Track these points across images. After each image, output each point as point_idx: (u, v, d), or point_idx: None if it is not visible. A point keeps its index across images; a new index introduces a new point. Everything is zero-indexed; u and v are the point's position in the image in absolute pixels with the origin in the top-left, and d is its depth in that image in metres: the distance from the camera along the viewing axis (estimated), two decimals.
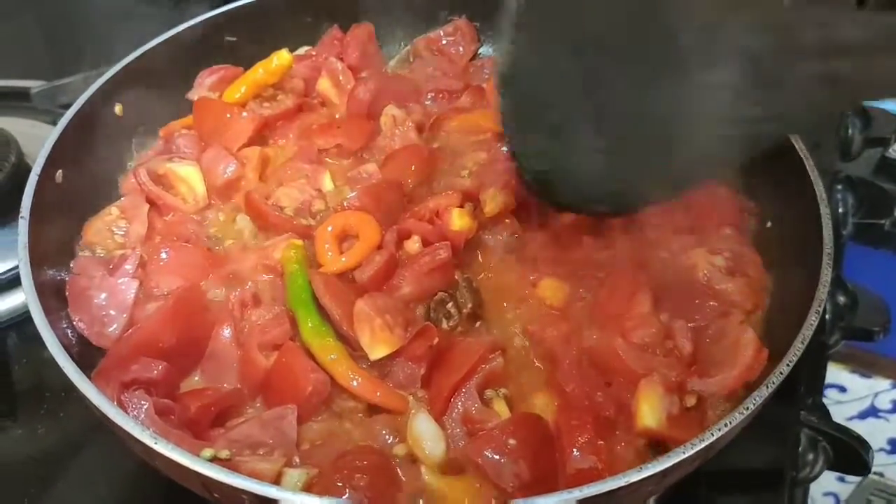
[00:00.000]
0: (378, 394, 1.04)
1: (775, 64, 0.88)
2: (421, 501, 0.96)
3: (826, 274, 1.03)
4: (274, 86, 1.48)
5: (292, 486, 0.92)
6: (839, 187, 1.68)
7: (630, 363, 1.05)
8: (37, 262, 1.08)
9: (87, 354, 1.10)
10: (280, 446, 0.98)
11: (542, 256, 1.22)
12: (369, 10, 1.63)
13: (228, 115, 1.39)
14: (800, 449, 1.25)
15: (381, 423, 1.04)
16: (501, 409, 1.03)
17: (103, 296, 1.14)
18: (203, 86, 1.51)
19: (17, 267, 1.37)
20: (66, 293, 1.15)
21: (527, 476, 0.93)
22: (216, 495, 0.89)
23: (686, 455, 0.85)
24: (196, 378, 1.12)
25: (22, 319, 1.38)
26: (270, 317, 1.12)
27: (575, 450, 0.96)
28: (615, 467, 0.95)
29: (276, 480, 0.93)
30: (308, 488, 0.94)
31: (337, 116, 1.49)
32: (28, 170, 1.45)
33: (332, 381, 1.04)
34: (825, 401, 1.39)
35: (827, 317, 1.39)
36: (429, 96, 1.53)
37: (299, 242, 1.20)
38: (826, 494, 2.17)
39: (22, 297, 1.37)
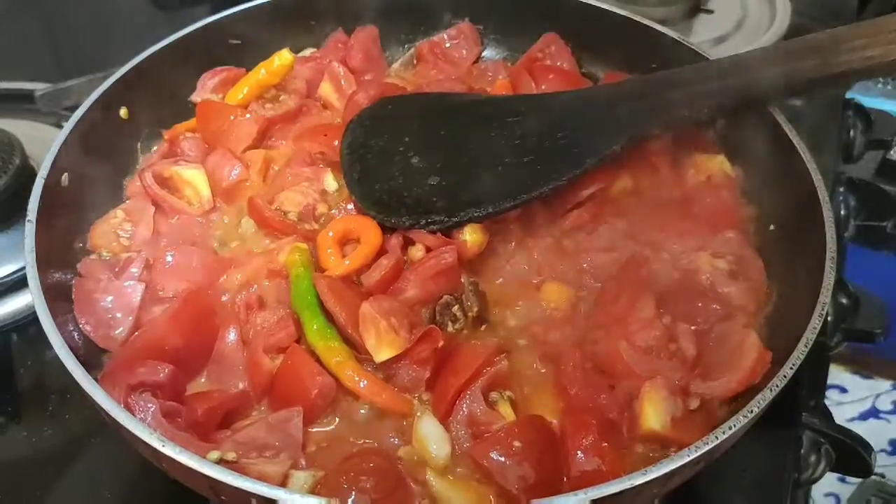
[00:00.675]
0: (383, 396, 1.04)
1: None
2: (426, 503, 0.97)
3: (829, 277, 1.04)
4: (276, 86, 1.48)
5: (299, 488, 0.93)
6: (841, 189, 1.69)
7: (634, 366, 1.06)
8: (43, 264, 1.08)
9: (92, 357, 1.11)
10: (286, 448, 0.99)
11: (546, 260, 1.22)
12: (373, 14, 1.64)
13: (232, 118, 1.40)
14: (802, 451, 1.25)
15: (386, 425, 1.04)
16: (506, 411, 1.04)
17: (109, 298, 1.15)
18: (206, 88, 1.51)
19: (20, 270, 1.39)
20: (73, 296, 1.15)
21: (532, 478, 0.94)
22: (223, 497, 0.89)
23: (690, 458, 0.86)
24: (202, 380, 1.12)
25: (26, 321, 1.38)
26: (276, 319, 1.12)
27: (579, 452, 0.97)
28: (619, 469, 0.96)
29: (283, 482, 0.94)
30: (314, 490, 0.94)
31: (338, 121, 1.49)
32: (32, 172, 1.47)
33: (338, 384, 1.05)
34: (826, 402, 1.39)
35: (828, 319, 1.39)
36: None
37: (304, 246, 1.21)
38: (827, 495, 2.18)
39: (25, 300, 1.38)
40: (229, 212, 1.33)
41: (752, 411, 0.90)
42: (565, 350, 1.10)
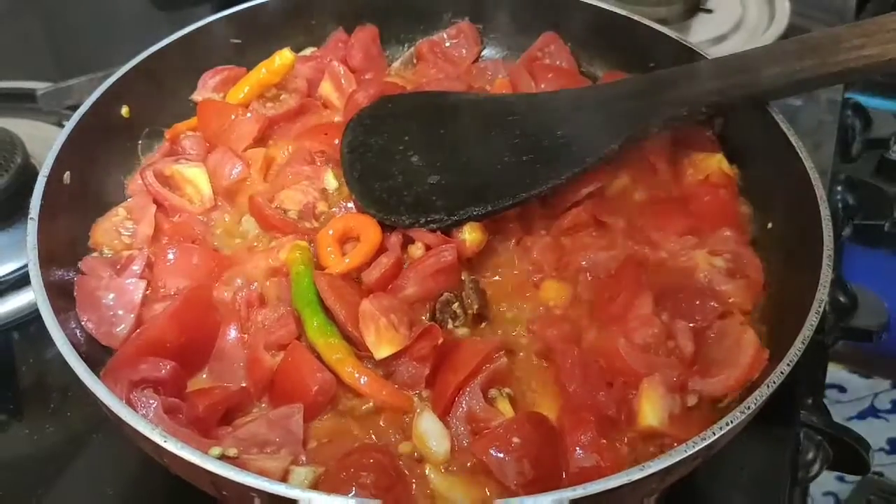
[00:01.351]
0: (383, 393, 1.05)
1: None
2: (426, 499, 0.98)
3: (826, 275, 1.04)
4: (277, 86, 1.49)
5: (299, 483, 0.94)
6: (839, 188, 1.69)
7: (632, 363, 1.06)
8: (45, 262, 1.08)
9: (93, 354, 1.11)
10: (287, 445, 0.99)
11: (545, 259, 1.23)
12: (373, 13, 1.64)
13: (233, 117, 1.40)
14: (800, 449, 1.26)
15: (386, 421, 1.05)
16: (505, 408, 1.04)
17: (111, 296, 1.15)
18: (207, 87, 1.52)
19: (21, 268, 1.40)
20: (75, 293, 1.16)
21: (531, 474, 0.94)
22: (225, 493, 0.89)
23: (687, 454, 0.86)
24: (203, 377, 1.13)
25: (27, 319, 1.38)
26: (276, 317, 1.13)
27: (578, 448, 0.98)
28: (618, 466, 0.97)
29: (284, 478, 0.94)
30: (315, 486, 0.95)
31: (338, 120, 1.50)
32: (33, 171, 1.48)
33: (338, 381, 1.05)
34: (824, 401, 1.40)
35: (827, 317, 1.40)
36: None
37: (304, 244, 1.21)
38: (826, 494, 2.18)
39: (26, 298, 1.39)
40: (230, 210, 1.33)
41: (749, 408, 0.91)
42: (564, 347, 1.10)
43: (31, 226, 1.10)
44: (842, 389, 2.40)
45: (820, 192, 1.15)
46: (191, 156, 1.38)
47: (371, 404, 1.05)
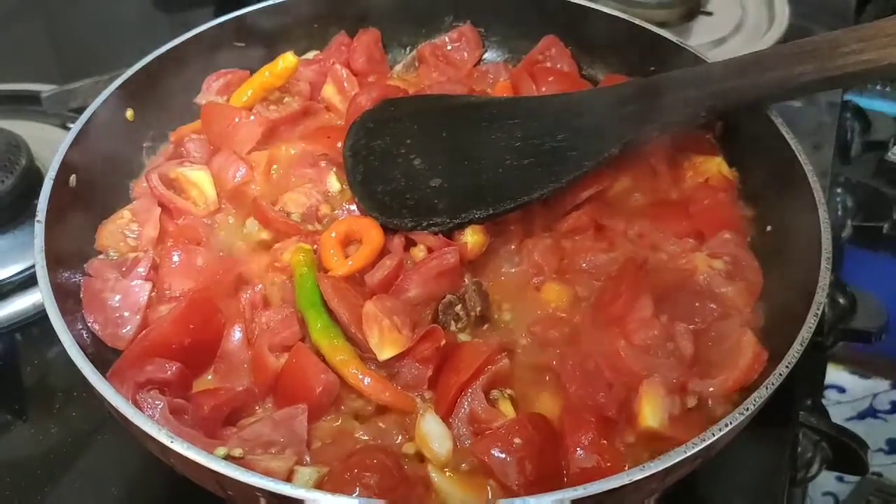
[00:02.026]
0: (387, 394, 1.05)
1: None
2: (428, 499, 0.98)
3: (825, 278, 1.05)
4: (280, 89, 1.50)
5: (304, 483, 0.94)
6: (838, 190, 1.70)
7: (632, 364, 1.07)
8: (52, 264, 1.09)
9: (100, 355, 1.12)
10: (291, 445, 1.00)
11: (546, 261, 1.24)
12: (376, 16, 1.65)
13: (237, 120, 1.41)
14: (799, 449, 1.26)
15: (389, 422, 1.06)
16: (507, 409, 1.05)
17: (117, 298, 1.16)
18: (210, 90, 1.52)
19: (26, 270, 1.41)
20: (81, 295, 1.16)
21: (532, 474, 0.95)
22: (230, 493, 0.90)
23: (687, 454, 0.87)
24: (208, 378, 1.14)
25: (32, 321, 1.39)
26: (280, 318, 1.14)
27: (579, 449, 0.99)
28: (618, 466, 0.97)
29: (288, 478, 0.95)
30: (319, 486, 0.96)
31: (341, 123, 1.51)
32: (38, 173, 1.49)
33: (342, 382, 1.06)
34: (824, 402, 1.40)
35: (826, 319, 1.41)
36: None
37: (308, 246, 1.22)
38: (825, 494, 2.18)
39: (32, 300, 1.39)
40: (234, 213, 1.34)
41: (748, 409, 0.91)
42: (565, 349, 1.11)
43: (39, 228, 1.11)
44: (841, 390, 2.41)
45: (819, 195, 1.15)
46: (195, 158, 1.39)
47: (374, 405, 1.06)
